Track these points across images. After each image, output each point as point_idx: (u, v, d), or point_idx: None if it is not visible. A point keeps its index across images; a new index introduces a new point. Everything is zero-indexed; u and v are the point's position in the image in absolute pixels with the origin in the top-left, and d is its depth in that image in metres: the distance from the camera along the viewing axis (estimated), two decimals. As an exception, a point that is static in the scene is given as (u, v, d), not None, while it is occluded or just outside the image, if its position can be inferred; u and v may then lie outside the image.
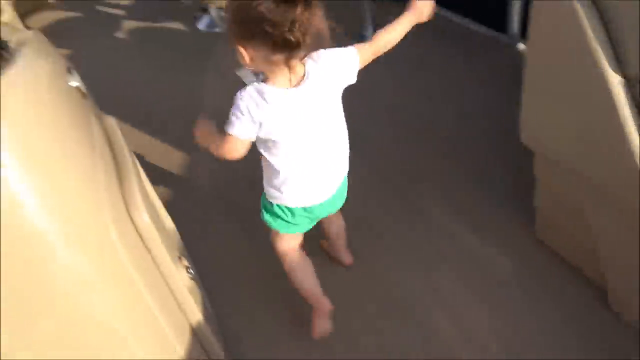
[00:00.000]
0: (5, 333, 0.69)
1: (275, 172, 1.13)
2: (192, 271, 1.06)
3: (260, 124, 1.03)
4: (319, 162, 1.14)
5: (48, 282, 0.69)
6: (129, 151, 1.02)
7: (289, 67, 1.01)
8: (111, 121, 1.08)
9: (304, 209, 1.19)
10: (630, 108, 1.00)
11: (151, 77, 2.65)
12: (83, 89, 0.96)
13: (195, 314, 1.01)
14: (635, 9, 0.93)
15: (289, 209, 1.19)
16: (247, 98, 1.01)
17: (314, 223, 1.29)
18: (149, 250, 0.88)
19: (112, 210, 0.78)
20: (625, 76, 1.00)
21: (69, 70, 0.93)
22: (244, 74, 2.34)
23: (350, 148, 1.20)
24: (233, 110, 1.03)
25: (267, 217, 1.23)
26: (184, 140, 2.06)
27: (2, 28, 0.87)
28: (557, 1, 1.04)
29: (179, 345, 0.90)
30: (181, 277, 0.97)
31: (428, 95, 2.24)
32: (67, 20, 3.48)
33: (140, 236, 0.86)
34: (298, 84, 1.03)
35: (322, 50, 1.06)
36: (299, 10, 0.91)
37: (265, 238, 1.31)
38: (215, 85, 2.43)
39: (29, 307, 0.70)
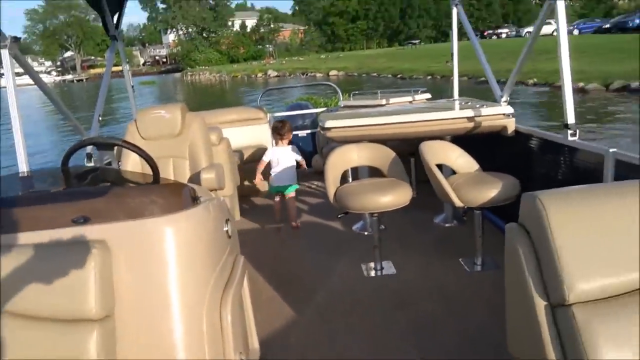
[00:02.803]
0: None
1: (271, 175, 4.12)
2: None
3: (270, 156, 4.10)
4: (281, 173, 4.07)
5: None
6: (243, 275, 1.77)
7: (282, 141, 4.13)
8: (241, 259, 1.85)
9: (275, 187, 4.12)
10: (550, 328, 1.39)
11: (301, 255, 3.58)
12: (230, 232, 1.74)
13: None
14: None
15: (272, 186, 4.17)
16: (269, 150, 4.25)
17: (281, 191, 4.10)
18: (222, 339, 1.49)
19: (210, 301, 1.44)
20: (550, 302, 1.40)
21: (226, 221, 1.72)
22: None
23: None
24: (266, 153, 4.20)
25: (270, 189, 4.26)
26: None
27: (200, 190, 1.70)
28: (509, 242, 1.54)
29: None
30: None
31: None
32: (267, 206, 4.78)
33: (221, 327, 1.49)
34: (283, 146, 4.12)
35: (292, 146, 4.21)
36: (286, 126, 4.15)
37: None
38: None
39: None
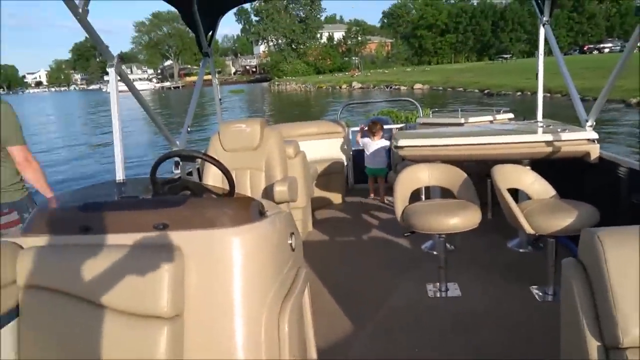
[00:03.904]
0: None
1: (365, 160, 5.46)
2: None
3: (364, 144, 5.49)
4: (372, 160, 5.39)
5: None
6: (304, 287, 1.87)
7: (373, 137, 5.37)
8: (304, 272, 1.95)
9: (369, 169, 5.43)
10: None
11: (367, 270, 3.57)
12: (294, 245, 1.85)
13: None
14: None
15: (367, 168, 5.46)
16: (365, 139, 5.53)
17: (374, 174, 5.43)
18: (279, 346, 1.58)
19: (269, 310, 1.54)
20: (603, 343, 1.37)
21: (291, 235, 1.84)
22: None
23: None
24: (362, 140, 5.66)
25: (366, 171, 5.47)
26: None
27: (269, 205, 1.84)
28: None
29: None
30: None
31: None
32: (339, 219, 4.94)
33: (279, 335, 1.59)
34: (374, 140, 5.37)
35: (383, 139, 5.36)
36: (377, 125, 5.39)
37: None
38: None
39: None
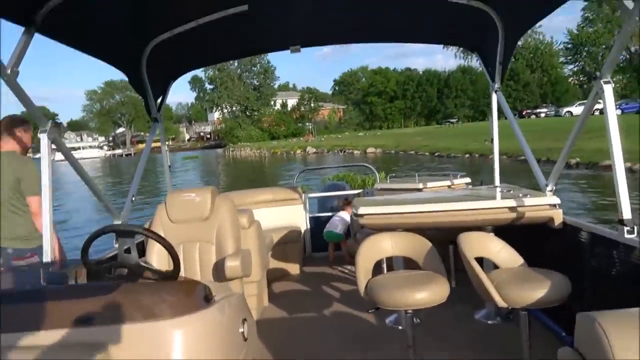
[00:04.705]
0: None
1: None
2: None
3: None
4: (333, 223, 5.27)
5: None
6: None
7: (343, 209, 5.46)
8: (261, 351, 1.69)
9: (327, 232, 5.24)
10: None
11: (329, 350, 3.30)
12: (246, 334, 1.63)
13: None
14: None
15: (326, 231, 5.28)
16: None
17: (331, 239, 5.29)
18: None
19: None
20: None
21: (243, 322, 1.62)
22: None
23: None
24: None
25: (324, 234, 5.29)
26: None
27: (217, 288, 1.63)
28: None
29: None
30: None
31: None
32: (297, 291, 4.67)
33: None
34: (343, 211, 5.48)
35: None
36: (348, 203, 5.34)
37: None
38: None
39: None
